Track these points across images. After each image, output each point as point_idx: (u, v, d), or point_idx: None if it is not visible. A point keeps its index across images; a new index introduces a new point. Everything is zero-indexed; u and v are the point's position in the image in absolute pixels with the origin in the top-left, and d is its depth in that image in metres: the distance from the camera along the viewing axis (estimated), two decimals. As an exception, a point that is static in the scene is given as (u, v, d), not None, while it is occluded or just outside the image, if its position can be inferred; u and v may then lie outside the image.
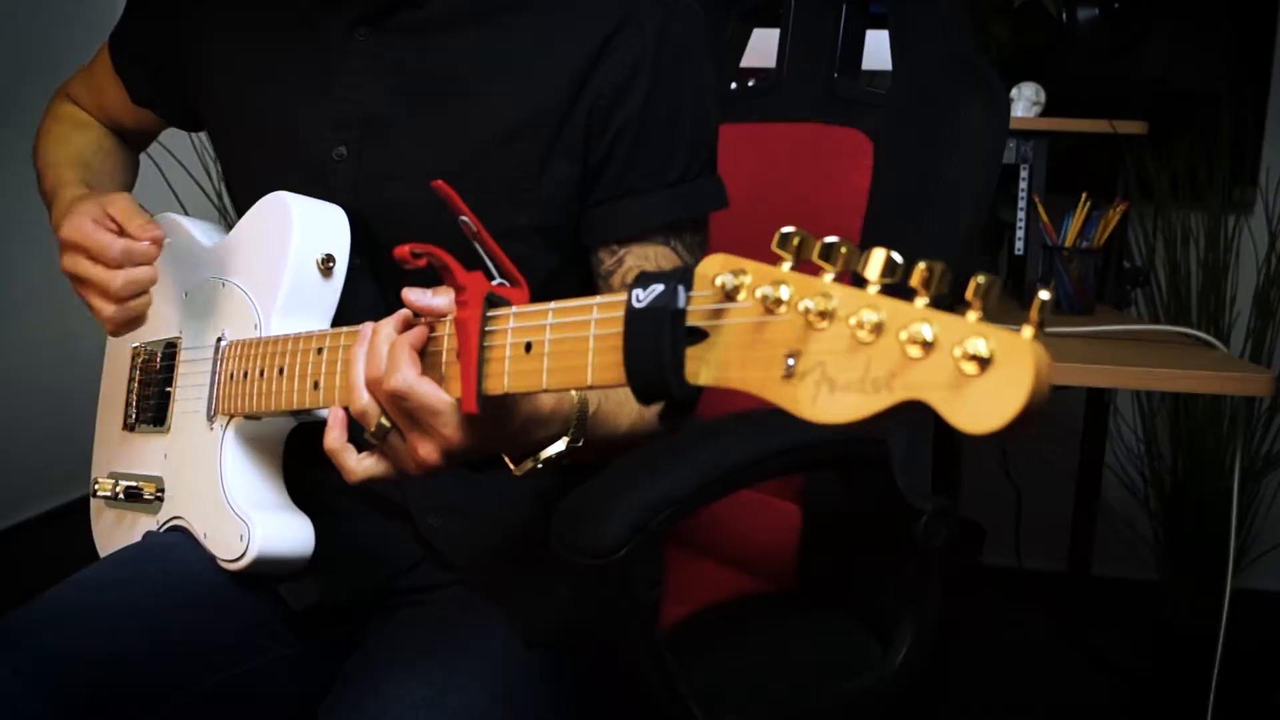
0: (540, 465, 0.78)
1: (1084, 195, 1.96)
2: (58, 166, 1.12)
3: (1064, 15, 2.19)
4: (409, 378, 0.73)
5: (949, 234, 1.06)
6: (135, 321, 0.96)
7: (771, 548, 1.16)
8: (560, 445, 0.78)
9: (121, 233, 0.94)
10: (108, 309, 0.95)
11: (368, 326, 0.78)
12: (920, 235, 1.08)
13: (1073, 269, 1.95)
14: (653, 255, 0.98)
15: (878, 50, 1.24)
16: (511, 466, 0.79)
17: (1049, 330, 1.70)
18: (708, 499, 0.87)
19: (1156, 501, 2.44)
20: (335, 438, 0.80)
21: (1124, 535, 2.51)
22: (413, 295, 0.76)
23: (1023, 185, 2.10)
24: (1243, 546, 2.40)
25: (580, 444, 0.79)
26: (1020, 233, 2.11)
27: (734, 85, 1.37)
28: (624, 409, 0.87)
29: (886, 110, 1.17)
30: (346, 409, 0.80)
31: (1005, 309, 1.79)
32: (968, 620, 2.34)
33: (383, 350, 0.75)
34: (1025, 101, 2.11)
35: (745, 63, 1.38)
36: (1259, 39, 2.47)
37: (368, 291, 0.98)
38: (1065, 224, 1.97)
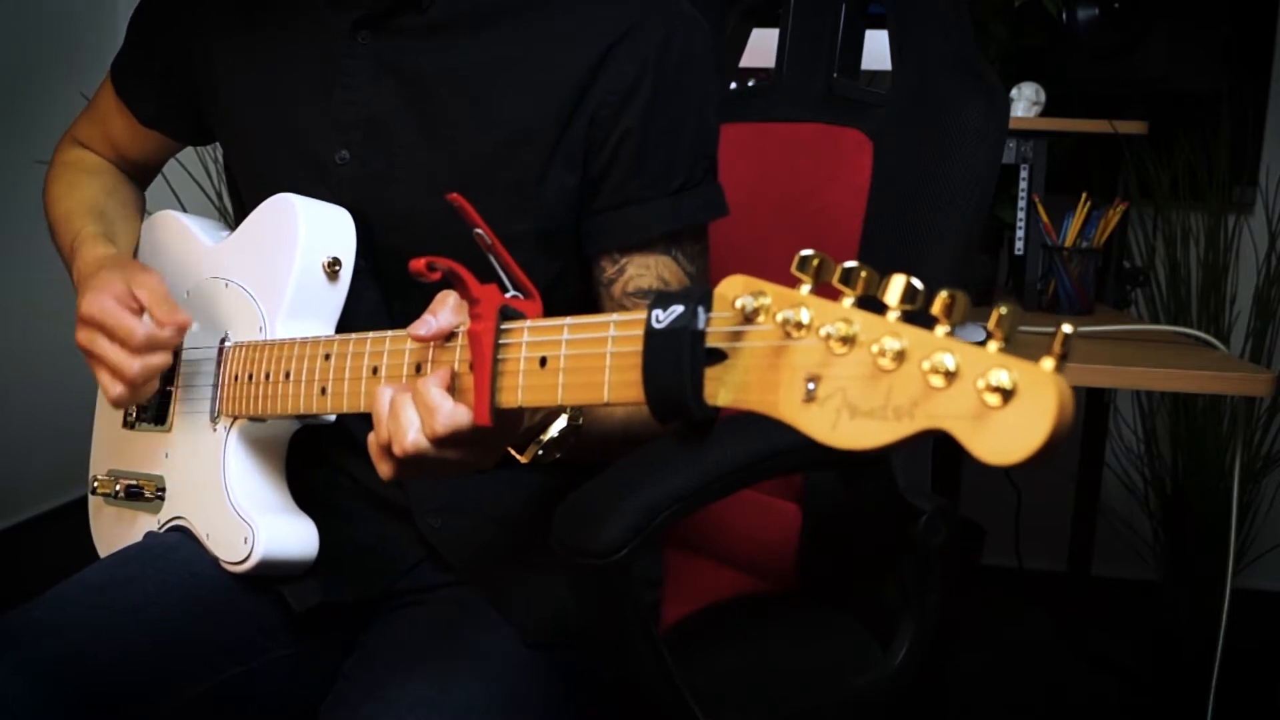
0: (542, 451, 0.78)
1: (1084, 195, 1.96)
2: (71, 217, 1.11)
3: (1064, 15, 2.19)
4: (443, 412, 0.71)
5: (949, 234, 1.06)
6: (139, 400, 0.96)
7: (771, 548, 1.16)
8: (562, 422, 0.78)
9: (142, 312, 0.93)
10: (116, 389, 0.93)
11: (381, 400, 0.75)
12: (920, 235, 1.08)
13: (1073, 269, 1.95)
14: (654, 265, 0.97)
15: (877, 50, 1.24)
16: (518, 456, 0.79)
17: (1046, 330, 1.69)
18: (708, 499, 0.87)
19: (1156, 501, 2.44)
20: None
21: (1124, 535, 2.51)
22: (420, 330, 0.75)
23: (1023, 185, 2.09)
24: (1243, 546, 2.40)
25: (580, 421, 0.79)
26: (1020, 233, 2.11)
27: (733, 85, 1.37)
28: None
29: (886, 110, 1.17)
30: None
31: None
32: (968, 620, 2.34)
33: (406, 414, 0.73)
34: (1025, 101, 2.11)
35: (745, 63, 1.38)
36: (1259, 39, 2.48)
37: (371, 295, 0.98)
38: (1065, 224, 1.97)
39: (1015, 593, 2.55)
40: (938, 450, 1.07)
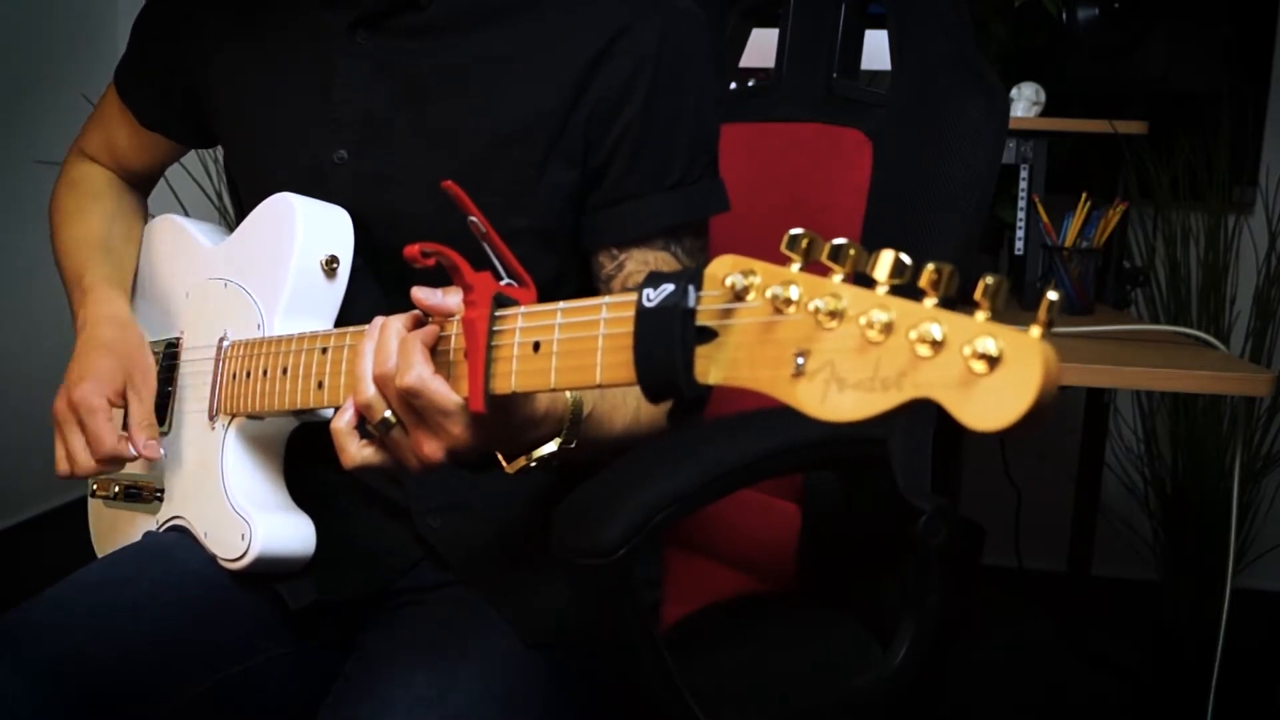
0: (534, 465, 0.79)
1: (1084, 195, 1.96)
2: (78, 248, 1.12)
3: (1064, 15, 2.19)
4: (423, 375, 0.73)
5: (949, 234, 1.06)
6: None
7: (771, 548, 1.16)
8: (552, 446, 0.78)
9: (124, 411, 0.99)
10: (63, 467, 0.99)
11: (377, 320, 0.78)
12: (920, 235, 1.08)
13: (1073, 269, 1.95)
14: (653, 260, 0.98)
15: (877, 50, 1.24)
16: (505, 465, 0.79)
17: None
18: (708, 498, 0.87)
19: (1156, 501, 2.44)
20: (346, 420, 0.79)
21: (1124, 535, 2.51)
22: (422, 294, 0.76)
23: (1023, 185, 2.10)
24: (1243, 546, 2.40)
25: (573, 445, 0.79)
26: (1020, 233, 2.11)
27: (733, 85, 1.37)
28: (618, 411, 0.87)
29: (886, 110, 1.17)
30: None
31: (1006, 309, 1.78)
32: (968, 620, 2.34)
33: (392, 345, 0.75)
34: (1025, 101, 2.11)
35: (745, 63, 1.38)
36: (1259, 39, 2.48)
37: (369, 294, 0.99)
38: (1065, 224, 1.97)
39: (1015, 593, 2.55)
40: (938, 450, 1.07)
